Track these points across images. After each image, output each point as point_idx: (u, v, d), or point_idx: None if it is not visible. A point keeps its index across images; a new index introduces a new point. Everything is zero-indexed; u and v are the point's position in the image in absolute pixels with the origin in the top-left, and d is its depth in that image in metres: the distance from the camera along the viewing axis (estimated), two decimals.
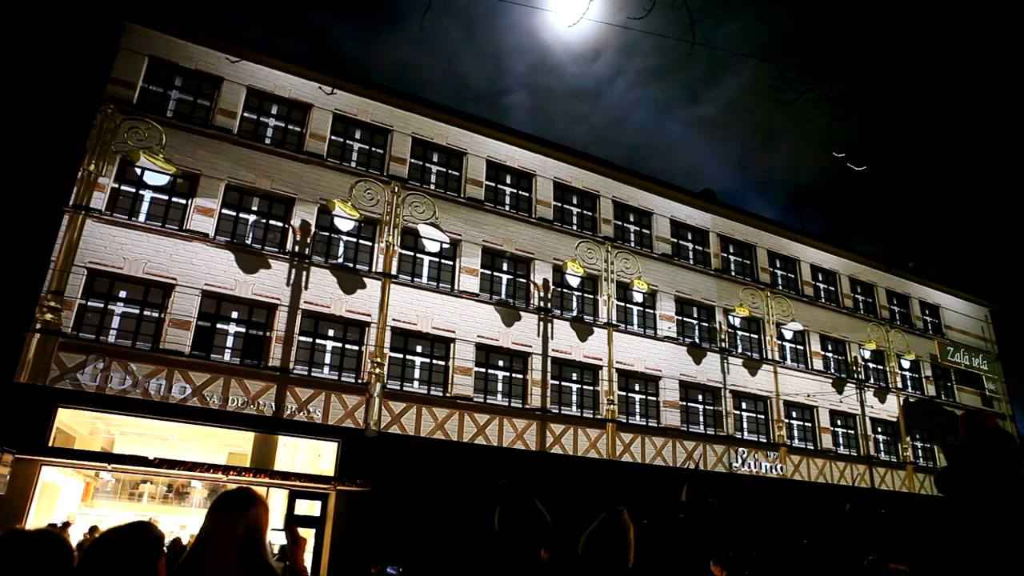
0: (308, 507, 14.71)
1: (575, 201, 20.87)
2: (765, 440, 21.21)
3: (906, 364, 25.49)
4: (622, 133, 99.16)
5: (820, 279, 25.29)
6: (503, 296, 18.48)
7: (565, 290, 19.49)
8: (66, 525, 12.54)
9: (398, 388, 16.15)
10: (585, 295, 19.80)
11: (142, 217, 14.77)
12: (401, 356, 16.54)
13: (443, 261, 17.98)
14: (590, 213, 20.98)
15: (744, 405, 21.46)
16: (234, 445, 16.39)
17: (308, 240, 16.20)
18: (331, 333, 16.03)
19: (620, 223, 21.38)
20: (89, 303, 13.77)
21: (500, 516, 2.43)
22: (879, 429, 24.09)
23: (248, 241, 15.66)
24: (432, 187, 18.40)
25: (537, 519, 2.42)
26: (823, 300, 24.91)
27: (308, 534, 14.40)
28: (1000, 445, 2.74)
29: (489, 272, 18.53)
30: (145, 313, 14.24)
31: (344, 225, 16.19)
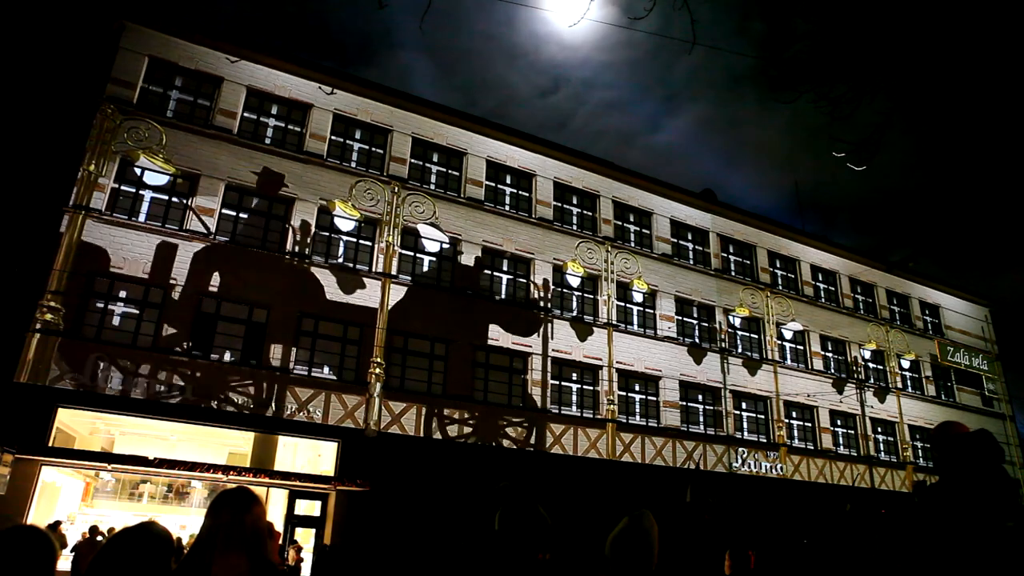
0: (308, 507, 14.71)
1: (575, 201, 20.86)
2: (765, 440, 21.21)
3: (906, 364, 25.48)
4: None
5: (820, 279, 25.28)
6: (503, 296, 18.47)
7: (565, 290, 19.49)
8: (57, 524, 12.49)
9: (398, 388, 16.14)
10: (585, 295, 19.80)
11: (142, 217, 14.77)
12: (402, 355, 16.53)
13: (443, 261, 17.97)
14: (590, 213, 20.97)
15: (744, 405, 21.46)
16: (234, 445, 16.38)
17: (308, 240, 16.20)
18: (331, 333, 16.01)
19: (620, 223, 21.38)
20: (89, 303, 13.77)
21: (500, 517, 2.43)
22: (879, 429, 24.08)
23: None
24: (432, 187, 18.40)
25: (537, 521, 2.42)
26: (823, 300, 24.90)
27: (308, 534, 14.41)
28: (970, 447, 2.72)
29: (489, 272, 18.52)
30: (145, 313, 14.24)
31: (344, 225, 16.19)
